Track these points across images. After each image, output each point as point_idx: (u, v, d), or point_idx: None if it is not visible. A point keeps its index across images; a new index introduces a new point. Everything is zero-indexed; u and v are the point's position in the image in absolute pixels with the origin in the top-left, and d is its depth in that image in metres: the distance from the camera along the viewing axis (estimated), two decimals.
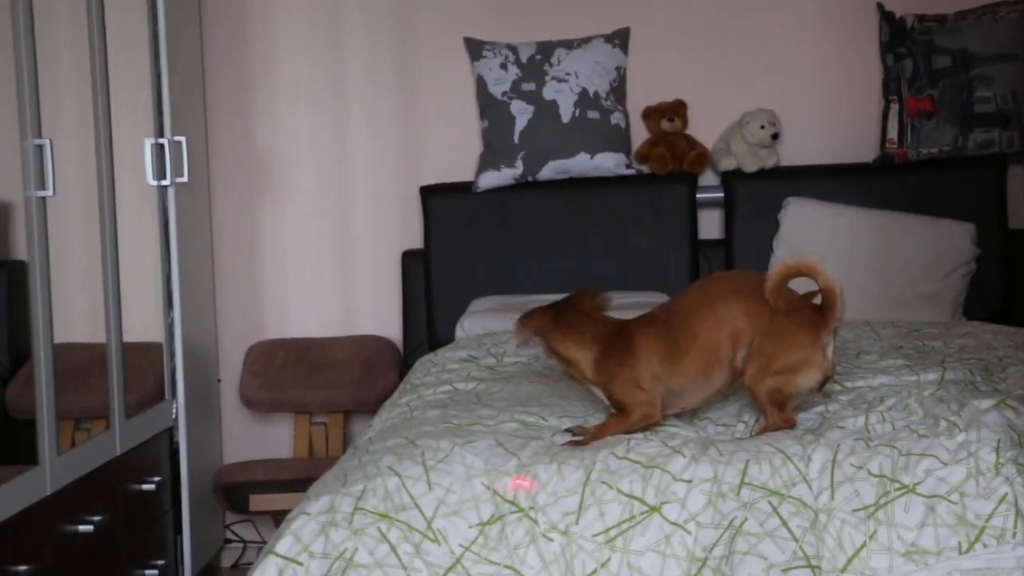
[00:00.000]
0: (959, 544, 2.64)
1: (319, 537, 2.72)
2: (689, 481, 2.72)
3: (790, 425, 2.93)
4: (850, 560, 2.64)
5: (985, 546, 2.64)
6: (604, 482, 2.73)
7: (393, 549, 2.68)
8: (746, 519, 2.66)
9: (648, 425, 2.98)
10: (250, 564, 5.13)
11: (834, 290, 2.95)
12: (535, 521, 2.70)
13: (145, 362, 4.63)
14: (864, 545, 2.65)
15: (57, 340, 4.21)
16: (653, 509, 2.69)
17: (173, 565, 4.62)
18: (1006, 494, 2.68)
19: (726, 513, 2.68)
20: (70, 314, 4.09)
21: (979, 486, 2.69)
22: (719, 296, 3.04)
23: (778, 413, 2.94)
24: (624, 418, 2.97)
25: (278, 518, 4.77)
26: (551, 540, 2.68)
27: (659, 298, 4.81)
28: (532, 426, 3.09)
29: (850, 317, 4.63)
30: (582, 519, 2.69)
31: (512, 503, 2.73)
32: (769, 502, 2.68)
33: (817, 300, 3.00)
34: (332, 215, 5.22)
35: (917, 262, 4.79)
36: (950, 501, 2.68)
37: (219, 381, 5.18)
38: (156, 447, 4.54)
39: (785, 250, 4.86)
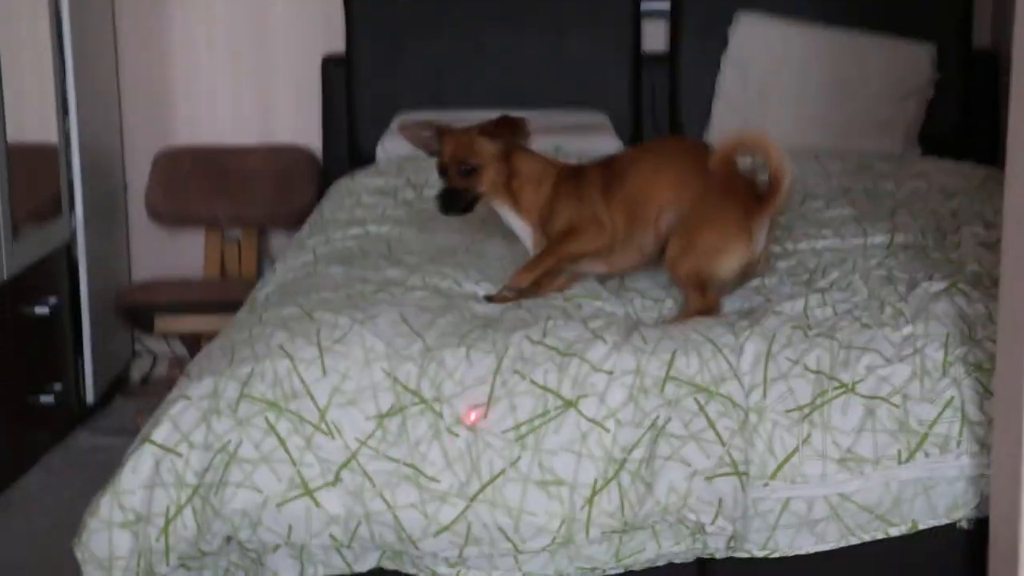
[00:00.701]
0: (899, 452, 2.43)
1: (200, 425, 2.47)
2: (610, 372, 2.47)
3: (713, 309, 2.68)
4: (780, 466, 2.43)
5: (927, 455, 2.43)
6: (516, 371, 2.48)
7: (282, 442, 2.44)
8: (670, 419, 2.43)
9: (597, 245, 2.80)
10: (163, 378, 4.90)
11: (782, 177, 2.68)
12: (439, 414, 2.46)
13: (43, 169, 4.30)
14: (796, 450, 2.44)
15: None
16: (569, 404, 2.45)
17: (74, 386, 4.38)
18: (952, 398, 2.46)
19: (648, 411, 2.44)
20: None
21: (924, 388, 2.47)
22: (657, 154, 2.90)
23: (700, 297, 2.68)
24: (573, 234, 2.78)
25: (187, 340, 4.52)
26: (456, 435, 2.44)
27: (597, 117, 4.51)
28: (443, 293, 2.81)
29: (799, 145, 4.38)
30: (491, 412, 2.45)
31: (414, 392, 2.48)
32: (696, 400, 2.44)
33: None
34: (248, 13, 4.82)
35: (872, 85, 4.48)
36: (891, 404, 2.46)
37: (125, 188, 4.85)
38: (52, 266, 4.24)
39: (734, 70, 4.54)
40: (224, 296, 4.33)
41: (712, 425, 2.42)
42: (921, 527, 2.46)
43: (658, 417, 2.43)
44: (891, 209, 3.52)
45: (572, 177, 2.85)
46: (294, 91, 4.85)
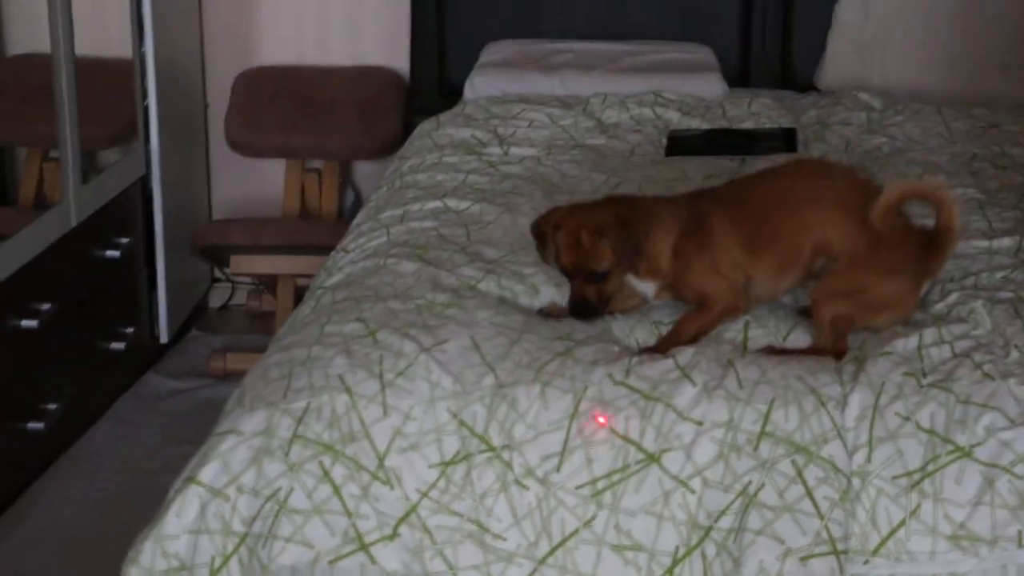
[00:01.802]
0: (1019, 533, 2.17)
1: (250, 467, 2.27)
2: (699, 423, 2.23)
3: (841, 355, 2.40)
4: (884, 541, 2.18)
5: None
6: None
7: (336, 491, 2.24)
8: (763, 485, 2.19)
9: (734, 317, 2.46)
10: (241, 305, 4.75)
11: (953, 231, 2.42)
12: (508, 464, 2.24)
13: (119, 89, 4.09)
14: (903, 523, 2.18)
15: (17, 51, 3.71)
16: (652, 458, 2.22)
17: (147, 328, 4.22)
18: None
19: (740, 473, 2.20)
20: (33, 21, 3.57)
21: None
22: (807, 197, 2.49)
23: (835, 340, 2.41)
24: (706, 311, 2.44)
25: (265, 279, 4.35)
26: (525, 488, 2.22)
27: (702, 51, 4.21)
28: (517, 308, 2.57)
29: (923, 89, 4.05)
30: (565, 465, 2.23)
31: (482, 437, 2.26)
32: (793, 462, 2.19)
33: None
34: None
35: (1004, 23, 4.11)
36: (1014, 475, 2.19)
37: (206, 110, 4.64)
38: (126, 203, 4.06)
39: (853, 2, 4.18)
40: (301, 238, 4.14)
41: (810, 493, 2.18)
42: None
43: (750, 482, 2.19)
44: (1020, 190, 3.20)
45: (697, 226, 2.46)
46: (383, 10, 4.58)
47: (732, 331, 2.46)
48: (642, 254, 2.41)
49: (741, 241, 2.45)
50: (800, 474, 2.19)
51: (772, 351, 2.41)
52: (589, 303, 2.43)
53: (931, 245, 2.45)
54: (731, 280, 2.44)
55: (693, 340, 2.40)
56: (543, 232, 2.47)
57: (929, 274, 2.49)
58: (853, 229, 2.43)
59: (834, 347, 2.39)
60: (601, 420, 2.23)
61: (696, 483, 2.20)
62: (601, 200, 2.52)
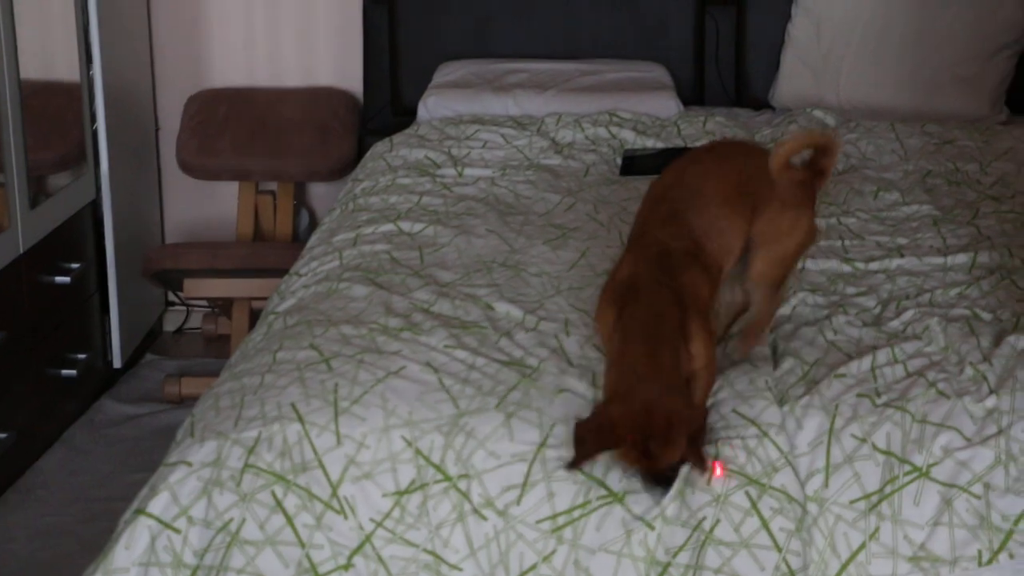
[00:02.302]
0: (979, 553, 2.16)
1: (200, 499, 2.23)
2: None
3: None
4: (844, 566, 2.16)
5: (1011, 556, 2.16)
6: (560, 456, 2.21)
7: (289, 521, 2.20)
8: (718, 520, 2.16)
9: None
10: (196, 329, 4.71)
11: (834, 152, 2.44)
12: (465, 494, 2.21)
13: (67, 113, 4.04)
14: (863, 547, 2.17)
15: None
16: (616, 498, 2.19)
17: (100, 353, 4.17)
18: None
19: (695, 508, 2.17)
20: None
21: (1009, 476, 2.19)
22: (731, 193, 2.38)
23: (776, 295, 2.40)
24: (710, 378, 2.29)
25: (218, 302, 4.30)
26: (484, 519, 2.19)
27: (656, 70, 4.20)
28: (474, 330, 2.54)
29: (877, 105, 4.05)
30: (526, 498, 2.20)
31: (437, 467, 2.22)
32: (747, 494, 2.17)
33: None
34: None
35: (957, 38, 4.12)
36: (972, 494, 2.18)
37: (157, 130, 4.59)
38: (76, 227, 4.01)
39: (806, 18, 4.19)
40: (256, 261, 4.10)
41: (766, 525, 2.15)
42: None
43: (704, 518, 2.16)
44: (974, 206, 3.21)
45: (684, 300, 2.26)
46: (334, 32, 4.55)
47: None
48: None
49: (710, 287, 2.32)
50: (755, 505, 2.16)
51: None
52: (667, 478, 2.18)
53: (816, 168, 2.43)
54: (713, 334, 2.31)
55: None
56: (590, 450, 2.14)
57: (815, 193, 2.46)
58: (761, 188, 2.38)
59: (778, 303, 2.42)
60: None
61: (657, 522, 2.17)
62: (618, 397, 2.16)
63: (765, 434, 2.21)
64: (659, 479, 2.15)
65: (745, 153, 2.50)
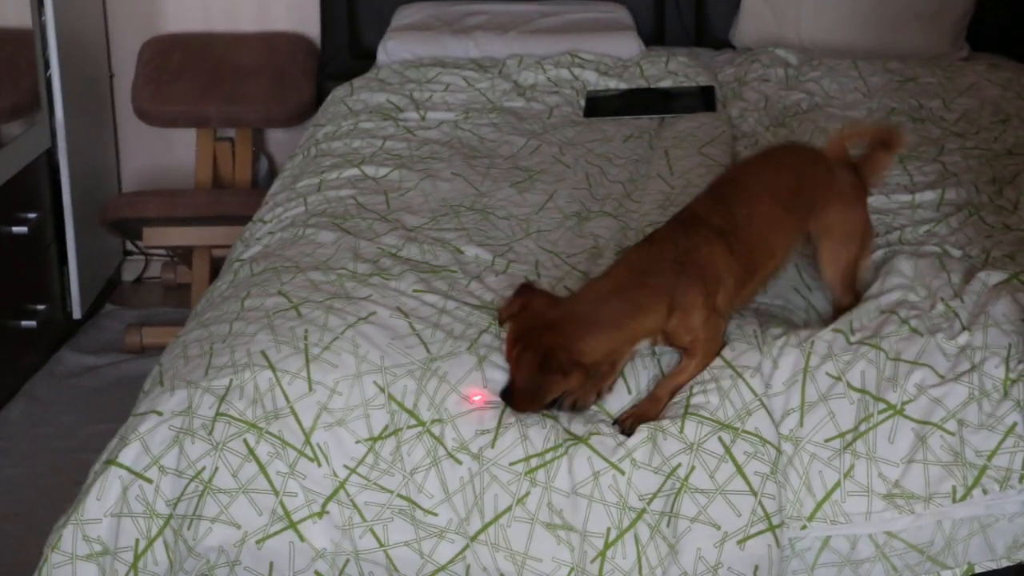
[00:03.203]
0: (953, 489, 2.17)
1: (172, 448, 2.21)
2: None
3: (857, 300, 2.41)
4: (819, 505, 2.17)
5: (985, 492, 2.17)
6: None
7: (262, 469, 2.19)
8: (693, 468, 2.15)
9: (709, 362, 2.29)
10: (156, 278, 4.66)
11: (892, 161, 2.51)
12: (439, 439, 2.19)
13: (20, 56, 3.97)
14: (837, 485, 2.17)
15: None
16: (581, 440, 2.18)
17: (59, 304, 4.12)
18: (1015, 424, 2.19)
19: (667, 455, 2.16)
20: None
21: (982, 412, 2.20)
22: (783, 196, 2.37)
23: (852, 294, 2.42)
24: (691, 360, 2.25)
25: (178, 251, 4.26)
26: (459, 463, 2.18)
27: (617, 10, 4.16)
28: (444, 274, 2.52)
29: (838, 44, 4.03)
30: (499, 441, 2.18)
31: (411, 412, 2.21)
32: (720, 439, 2.16)
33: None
34: None
35: None
36: (945, 431, 2.19)
37: (111, 76, 4.52)
38: (32, 176, 3.94)
39: None
40: (216, 209, 4.05)
41: (740, 471, 2.15)
42: (978, 570, 2.21)
43: (679, 465, 2.15)
44: (939, 143, 3.20)
45: (687, 269, 2.24)
46: None
47: None
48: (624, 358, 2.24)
49: (738, 274, 2.28)
50: (728, 451, 2.16)
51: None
52: (583, 406, 2.23)
53: (869, 166, 2.47)
54: (725, 317, 2.29)
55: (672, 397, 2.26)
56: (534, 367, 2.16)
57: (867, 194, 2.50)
58: (826, 205, 2.40)
59: (855, 300, 2.40)
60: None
61: (626, 464, 2.16)
62: (575, 313, 2.17)
63: (739, 375, 2.20)
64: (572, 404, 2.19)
65: (804, 158, 2.49)
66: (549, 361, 2.11)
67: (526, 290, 2.23)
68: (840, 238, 2.39)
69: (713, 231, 2.26)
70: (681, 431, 2.16)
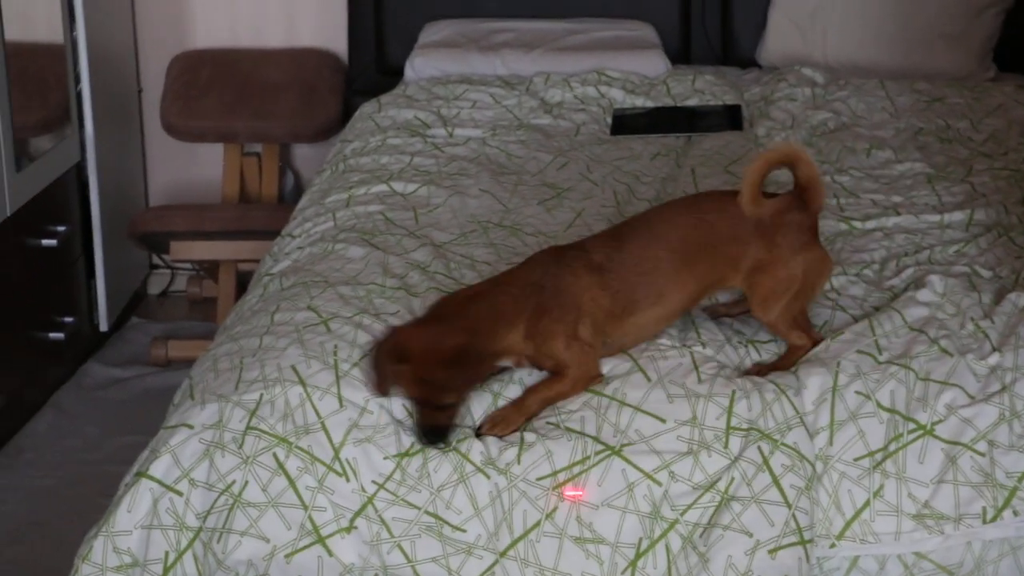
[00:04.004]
0: (983, 510, 2.16)
1: (203, 462, 2.21)
2: (662, 420, 2.20)
3: (818, 343, 2.34)
4: (848, 524, 2.16)
5: (1016, 513, 2.16)
6: (549, 421, 2.21)
7: (292, 483, 2.19)
8: (733, 479, 2.15)
9: (591, 385, 2.26)
10: (182, 292, 4.68)
11: (815, 178, 2.31)
12: (465, 456, 2.19)
13: (52, 75, 4.00)
14: (867, 504, 2.17)
15: None
16: (613, 451, 2.18)
17: (86, 317, 4.14)
18: None
19: (710, 470, 2.16)
20: None
21: (1013, 433, 2.19)
22: (689, 246, 2.30)
23: (807, 334, 2.34)
24: (560, 379, 2.24)
25: (204, 265, 4.28)
26: (487, 477, 2.18)
27: (643, 28, 4.17)
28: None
29: (864, 63, 4.04)
30: (525, 456, 2.19)
31: None
32: (759, 448, 2.16)
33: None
34: None
35: None
36: (976, 451, 2.18)
37: (140, 91, 4.55)
38: (61, 190, 3.97)
39: None
40: (242, 223, 4.08)
41: (777, 482, 2.15)
42: None
43: (719, 479, 2.16)
44: (967, 163, 3.20)
45: (555, 296, 2.24)
46: None
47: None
48: (485, 370, 2.23)
49: (609, 310, 2.26)
50: (767, 462, 2.16)
51: (759, 370, 2.33)
52: (441, 428, 2.18)
53: (803, 200, 2.32)
54: (592, 346, 2.26)
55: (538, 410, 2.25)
56: (381, 364, 2.19)
57: (816, 226, 2.37)
58: (745, 248, 2.30)
59: (810, 340, 2.34)
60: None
61: (663, 475, 2.16)
62: (432, 316, 2.22)
63: (783, 392, 2.21)
64: (433, 434, 2.17)
65: (729, 211, 2.32)
66: (460, 357, 2.11)
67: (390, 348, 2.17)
68: (767, 293, 2.30)
69: (588, 265, 2.25)
70: (725, 446, 2.16)
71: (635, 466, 2.16)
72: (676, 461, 2.16)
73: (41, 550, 3.20)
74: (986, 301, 2.43)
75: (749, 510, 2.13)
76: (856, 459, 2.18)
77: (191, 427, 2.25)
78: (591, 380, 2.25)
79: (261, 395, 2.25)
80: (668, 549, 2.14)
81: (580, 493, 2.15)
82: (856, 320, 2.40)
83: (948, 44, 4.09)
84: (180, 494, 2.21)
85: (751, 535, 2.12)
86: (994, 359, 2.26)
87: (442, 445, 2.18)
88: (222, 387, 2.29)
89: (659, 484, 2.15)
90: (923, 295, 2.45)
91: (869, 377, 2.24)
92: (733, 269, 2.31)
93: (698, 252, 2.30)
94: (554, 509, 2.16)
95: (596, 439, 2.18)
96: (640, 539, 2.14)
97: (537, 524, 2.16)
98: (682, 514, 2.14)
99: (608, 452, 2.18)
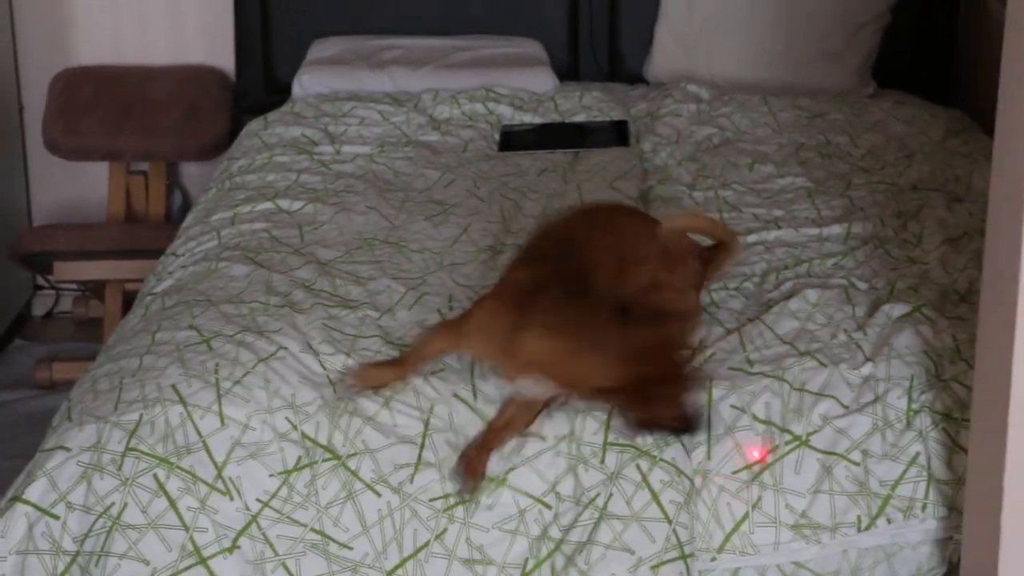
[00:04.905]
0: (858, 519, 2.20)
1: (80, 484, 2.19)
2: (543, 439, 2.21)
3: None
4: (728, 537, 2.19)
5: (889, 521, 2.20)
6: (447, 442, 2.22)
7: (172, 504, 2.17)
8: (611, 495, 2.17)
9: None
10: (67, 313, 4.61)
11: (738, 251, 2.47)
12: (355, 473, 2.19)
13: None
14: (746, 516, 2.20)
15: None
16: (498, 482, 2.19)
17: None
18: (917, 454, 2.23)
19: (588, 486, 2.18)
20: None
21: (886, 442, 2.24)
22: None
23: None
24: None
25: (90, 285, 4.22)
26: (378, 495, 2.18)
27: (531, 45, 4.19)
28: (355, 305, 2.52)
29: (749, 80, 4.09)
30: (419, 477, 2.19)
31: (326, 447, 2.21)
32: (638, 466, 2.18)
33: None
34: None
35: (824, 13, 4.18)
36: (850, 461, 2.22)
37: (21, 109, 4.48)
38: None
39: (678, 4, 4.20)
40: (129, 243, 4.03)
41: (656, 498, 2.17)
42: None
43: (598, 495, 2.17)
44: (846, 178, 3.26)
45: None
46: (204, 8, 4.47)
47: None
48: None
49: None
50: (645, 478, 2.18)
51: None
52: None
53: (712, 259, 2.44)
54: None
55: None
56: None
57: (702, 285, 2.47)
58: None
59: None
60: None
61: (551, 498, 2.18)
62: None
63: None
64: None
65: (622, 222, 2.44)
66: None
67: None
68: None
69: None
70: (602, 461, 2.18)
71: (523, 491, 2.17)
72: (560, 481, 2.17)
73: None
74: (860, 313, 2.47)
75: (630, 528, 2.15)
76: (734, 472, 2.21)
77: (68, 450, 2.22)
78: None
79: (141, 415, 2.23)
80: (553, 569, 2.15)
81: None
82: (728, 332, 2.43)
83: (829, 61, 4.16)
84: (57, 518, 2.18)
85: (633, 552, 2.14)
86: (867, 369, 2.31)
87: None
88: (101, 408, 2.27)
89: (548, 507, 2.16)
90: (794, 304, 2.49)
91: (744, 390, 2.27)
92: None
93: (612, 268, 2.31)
94: (443, 531, 2.16)
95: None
96: (526, 559, 2.15)
97: (426, 544, 2.16)
98: (566, 533, 2.16)
99: (496, 482, 2.18)
